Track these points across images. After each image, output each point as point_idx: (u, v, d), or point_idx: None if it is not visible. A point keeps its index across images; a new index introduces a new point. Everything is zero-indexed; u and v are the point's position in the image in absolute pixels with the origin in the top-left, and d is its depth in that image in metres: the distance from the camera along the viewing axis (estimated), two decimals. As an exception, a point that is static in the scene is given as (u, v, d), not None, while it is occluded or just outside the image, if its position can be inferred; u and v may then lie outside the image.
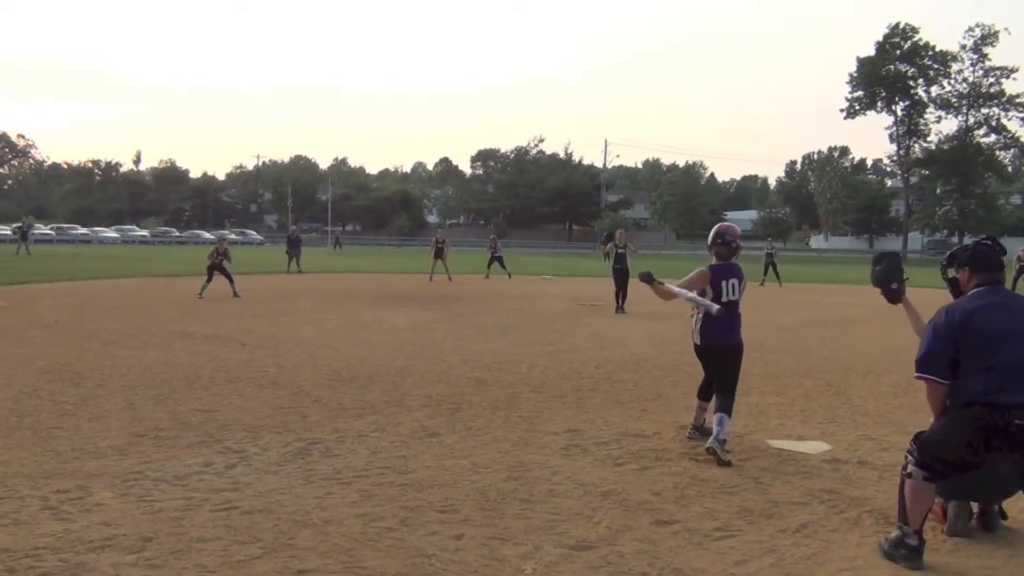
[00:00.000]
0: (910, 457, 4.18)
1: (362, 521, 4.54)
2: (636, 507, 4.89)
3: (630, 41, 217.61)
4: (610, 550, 4.20)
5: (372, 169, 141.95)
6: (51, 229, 73.12)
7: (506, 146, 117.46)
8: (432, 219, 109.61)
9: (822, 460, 6.06)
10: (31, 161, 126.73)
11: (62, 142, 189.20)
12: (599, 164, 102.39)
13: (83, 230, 74.97)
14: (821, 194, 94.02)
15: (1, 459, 5.61)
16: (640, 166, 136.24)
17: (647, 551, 4.19)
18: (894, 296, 5.02)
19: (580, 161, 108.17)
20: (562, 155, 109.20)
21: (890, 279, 5.01)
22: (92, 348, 10.85)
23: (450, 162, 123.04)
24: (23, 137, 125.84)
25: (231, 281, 19.46)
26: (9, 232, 54.36)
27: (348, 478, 5.34)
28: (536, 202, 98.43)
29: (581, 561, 4.05)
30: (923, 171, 76.61)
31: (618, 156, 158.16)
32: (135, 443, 6.11)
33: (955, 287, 4.44)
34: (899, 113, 75.84)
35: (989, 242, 4.38)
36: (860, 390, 8.97)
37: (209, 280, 19.26)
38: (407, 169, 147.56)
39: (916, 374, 4.18)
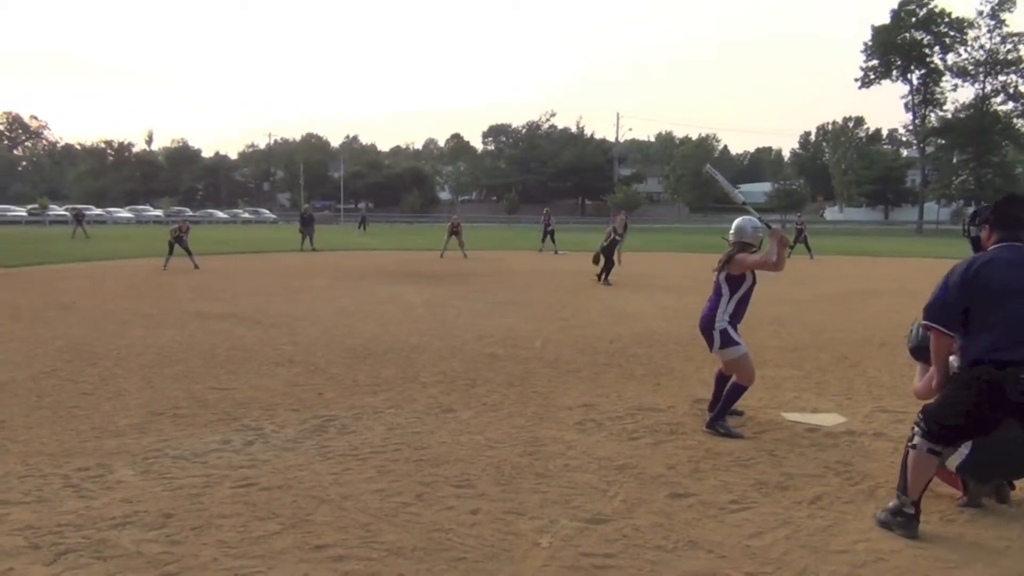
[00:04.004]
0: (917, 428, 4.19)
1: (379, 496, 4.58)
2: (651, 481, 4.91)
3: (640, 13, 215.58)
4: (626, 523, 4.22)
5: (384, 146, 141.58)
6: (65, 210, 73.47)
7: (517, 121, 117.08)
8: (445, 196, 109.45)
9: (837, 432, 6.06)
10: (44, 142, 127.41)
11: (74, 123, 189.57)
12: (611, 138, 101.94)
13: (97, 211, 75.15)
14: (836, 165, 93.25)
15: (23, 438, 5.69)
16: (653, 140, 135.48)
17: (662, 524, 4.22)
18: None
19: (592, 135, 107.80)
20: (574, 130, 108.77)
21: None
22: (109, 328, 10.94)
23: (461, 138, 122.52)
24: (36, 118, 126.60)
25: (191, 255, 21.82)
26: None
27: (364, 454, 5.38)
28: (548, 177, 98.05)
29: (597, 534, 4.08)
30: (939, 140, 75.74)
31: (630, 130, 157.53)
32: (154, 421, 6.18)
33: (977, 245, 4.39)
34: (915, 82, 74.91)
35: (1012, 199, 4.28)
36: (876, 362, 8.94)
37: (171, 253, 21.74)
38: (419, 146, 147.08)
39: (923, 321, 4.22)
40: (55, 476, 4.87)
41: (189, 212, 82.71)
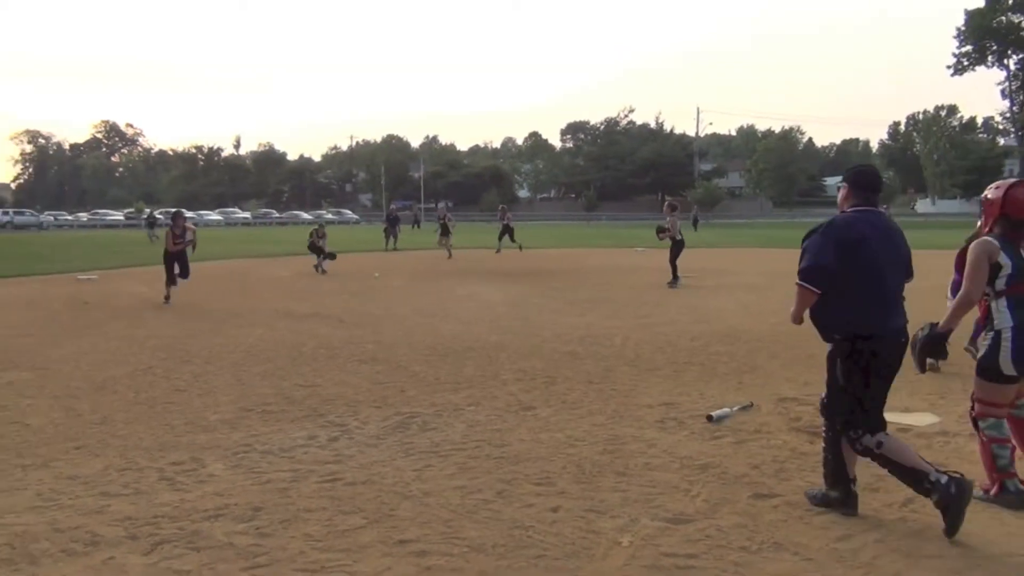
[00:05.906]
0: (856, 433, 4.15)
1: (460, 493, 4.62)
2: (734, 480, 4.82)
3: (721, 4, 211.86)
4: (708, 523, 4.15)
5: (462, 146, 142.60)
6: (160, 214, 76.29)
7: (596, 118, 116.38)
8: (524, 194, 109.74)
9: (930, 432, 5.86)
10: (139, 149, 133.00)
11: (167, 129, 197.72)
12: (691, 133, 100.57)
13: (189, 214, 77.63)
14: (927, 156, 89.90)
15: (121, 432, 5.94)
16: (734, 133, 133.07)
17: (746, 525, 4.13)
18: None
19: (671, 130, 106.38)
20: (653, 125, 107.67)
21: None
22: (201, 327, 11.32)
23: (539, 136, 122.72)
24: (131, 126, 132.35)
25: (321, 258, 21.45)
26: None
27: (446, 451, 5.44)
28: (627, 174, 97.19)
29: (679, 534, 4.03)
30: (1039, 128, 72.32)
31: (711, 124, 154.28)
32: (244, 417, 6.37)
33: None
34: (1012, 67, 71.73)
35: (870, 167, 4.52)
36: (970, 360, 8.56)
37: (323, 257, 21.42)
38: (497, 144, 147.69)
39: (800, 282, 4.15)
40: (151, 469, 5.08)
41: (275, 213, 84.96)
